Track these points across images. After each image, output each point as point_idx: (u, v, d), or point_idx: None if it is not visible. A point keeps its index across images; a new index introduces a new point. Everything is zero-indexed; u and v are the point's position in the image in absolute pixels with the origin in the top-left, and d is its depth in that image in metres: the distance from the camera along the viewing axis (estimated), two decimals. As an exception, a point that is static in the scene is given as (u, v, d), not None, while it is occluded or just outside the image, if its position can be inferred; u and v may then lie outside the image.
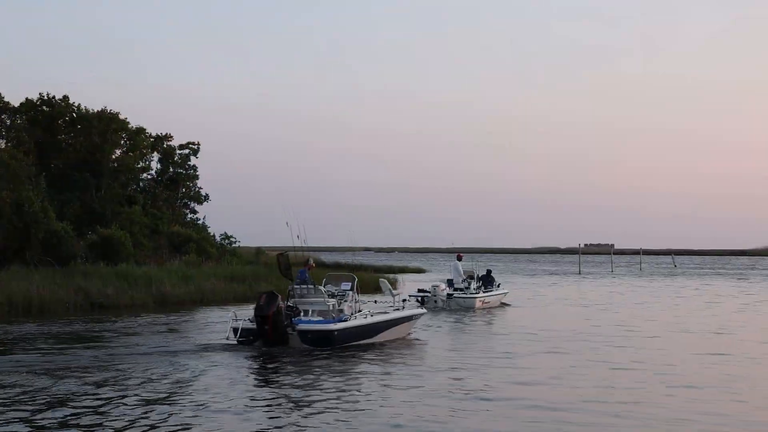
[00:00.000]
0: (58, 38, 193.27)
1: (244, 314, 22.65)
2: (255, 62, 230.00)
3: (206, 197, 55.62)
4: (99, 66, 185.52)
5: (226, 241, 53.94)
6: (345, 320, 22.07)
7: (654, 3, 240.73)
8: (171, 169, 54.39)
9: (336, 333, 21.61)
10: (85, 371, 17.52)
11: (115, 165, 48.69)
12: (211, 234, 53.45)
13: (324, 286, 23.02)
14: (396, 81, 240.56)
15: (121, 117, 49.22)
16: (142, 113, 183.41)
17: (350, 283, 23.29)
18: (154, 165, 54.18)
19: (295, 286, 22.64)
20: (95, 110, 48.45)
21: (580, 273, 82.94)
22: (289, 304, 22.25)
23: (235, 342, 21.59)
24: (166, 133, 54.21)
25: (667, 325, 29.42)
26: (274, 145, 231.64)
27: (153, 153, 53.45)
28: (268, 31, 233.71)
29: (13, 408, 13.89)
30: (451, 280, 37.60)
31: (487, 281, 38.76)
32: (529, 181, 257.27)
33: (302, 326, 21.56)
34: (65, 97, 48.55)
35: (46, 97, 48.31)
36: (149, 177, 53.79)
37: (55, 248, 39.35)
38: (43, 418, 13.21)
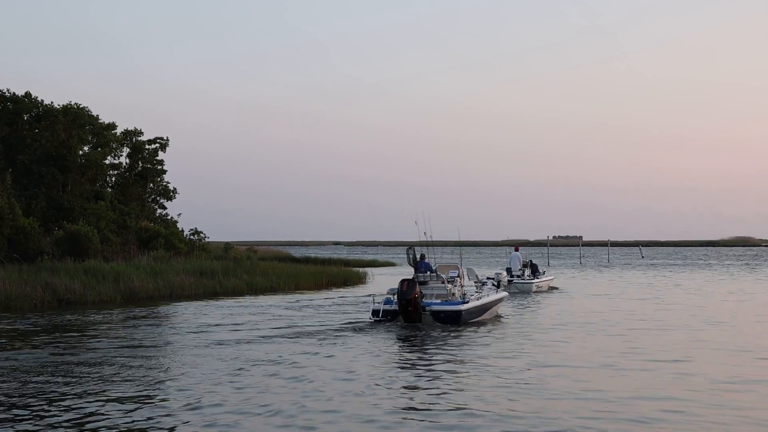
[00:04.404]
0: (56, 37, 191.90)
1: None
2: (257, 63, 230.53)
3: (174, 192, 55.24)
4: (98, 65, 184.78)
5: (195, 236, 53.68)
6: (467, 302, 25.78)
7: (649, 3, 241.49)
8: (140, 165, 53.93)
9: (463, 313, 25.30)
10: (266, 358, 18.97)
11: (83, 160, 48.28)
12: (180, 230, 53.15)
13: None
14: (395, 80, 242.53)
15: (90, 111, 48.88)
16: (141, 113, 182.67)
17: (456, 271, 27.33)
18: (124, 160, 53.76)
19: (419, 274, 26.34)
20: (58, 105, 48.04)
21: (548, 265, 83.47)
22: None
23: (373, 321, 25.35)
24: (136, 128, 53.81)
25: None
26: (273, 144, 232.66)
27: (123, 148, 52.97)
28: (268, 32, 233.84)
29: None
30: (509, 268, 44.01)
31: (534, 269, 44.96)
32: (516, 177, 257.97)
33: (435, 307, 25.26)
34: (27, 93, 48.11)
35: (9, 93, 47.81)
36: (118, 172, 53.29)
37: (21, 244, 39.07)
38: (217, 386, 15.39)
